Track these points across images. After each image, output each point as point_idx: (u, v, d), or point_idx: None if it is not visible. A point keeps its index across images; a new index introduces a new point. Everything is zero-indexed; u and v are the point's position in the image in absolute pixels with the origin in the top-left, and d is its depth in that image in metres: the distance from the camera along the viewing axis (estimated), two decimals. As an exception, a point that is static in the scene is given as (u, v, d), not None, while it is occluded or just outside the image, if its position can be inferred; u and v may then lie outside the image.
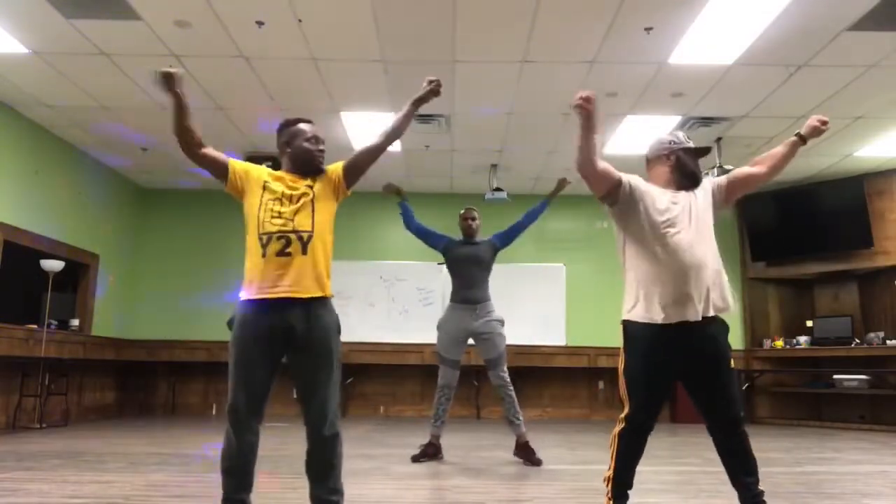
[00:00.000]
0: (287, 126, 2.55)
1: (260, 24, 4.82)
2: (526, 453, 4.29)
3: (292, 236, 2.31)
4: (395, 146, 7.27)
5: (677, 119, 6.47)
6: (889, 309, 7.98)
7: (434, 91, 2.67)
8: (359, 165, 2.53)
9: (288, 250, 2.29)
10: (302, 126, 2.52)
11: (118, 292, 8.47)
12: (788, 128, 6.61)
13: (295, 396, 2.38)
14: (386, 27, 4.87)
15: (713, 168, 6.98)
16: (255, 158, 7.45)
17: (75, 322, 7.51)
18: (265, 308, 2.27)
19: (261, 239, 2.32)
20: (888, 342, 7.61)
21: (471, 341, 4.44)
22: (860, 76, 5.48)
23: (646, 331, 2.38)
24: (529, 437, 4.38)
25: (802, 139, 2.59)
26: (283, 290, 2.27)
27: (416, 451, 4.40)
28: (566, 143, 7.15)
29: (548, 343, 8.69)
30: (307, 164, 2.47)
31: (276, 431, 6.13)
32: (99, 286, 7.99)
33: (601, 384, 8.73)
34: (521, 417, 4.32)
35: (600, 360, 8.61)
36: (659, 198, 2.48)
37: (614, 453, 2.45)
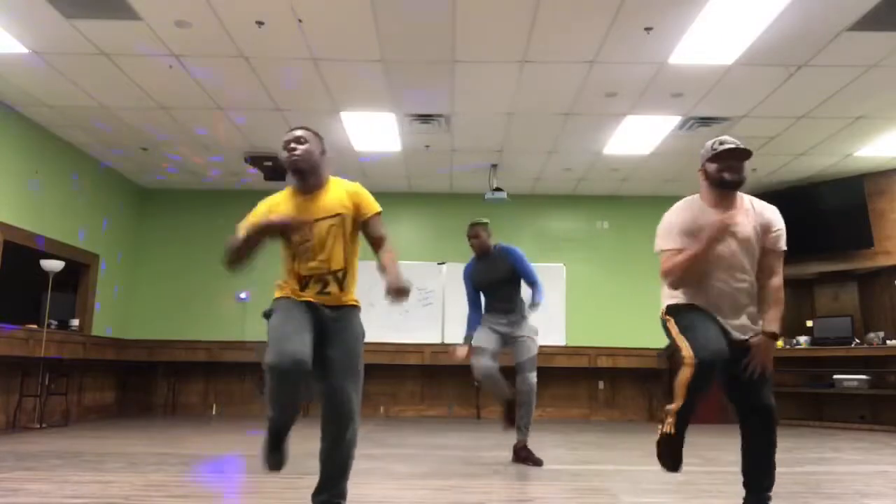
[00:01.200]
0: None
1: (260, 24, 4.82)
2: (526, 456, 4.28)
3: (328, 278, 2.39)
4: (396, 146, 7.27)
5: (677, 119, 6.47)
6: (889, 309, 7.98)
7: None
8: (366, 232, 2.52)
9: (328, 290, 2.40)
10: (284, 137, 2.50)
11: (118, 292, 8.47)
12: (788, 128, 6.61)
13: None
14: (386, 27, 4.87)
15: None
16: (256, 158, 7.47)
17: (75, 322, 7.51)
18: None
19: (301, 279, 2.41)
20: (888, 342, 7.61)
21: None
22: (860, 76, 5.48)
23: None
24: (530, 437, 4.37)
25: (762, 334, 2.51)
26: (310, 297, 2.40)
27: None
28: (566, 143, 7.16)
29: (548, 343, 8.66)
30: (291, 171, 2.46)
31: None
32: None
33: (601, 384, 8.73)
34: (529, 428, 4.29)
35: (600, 360, 8.62)
36: (702, 226, 2.46)
37: (683, 394, 2.35)
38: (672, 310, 2.50)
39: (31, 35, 5.02)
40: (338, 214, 2.41)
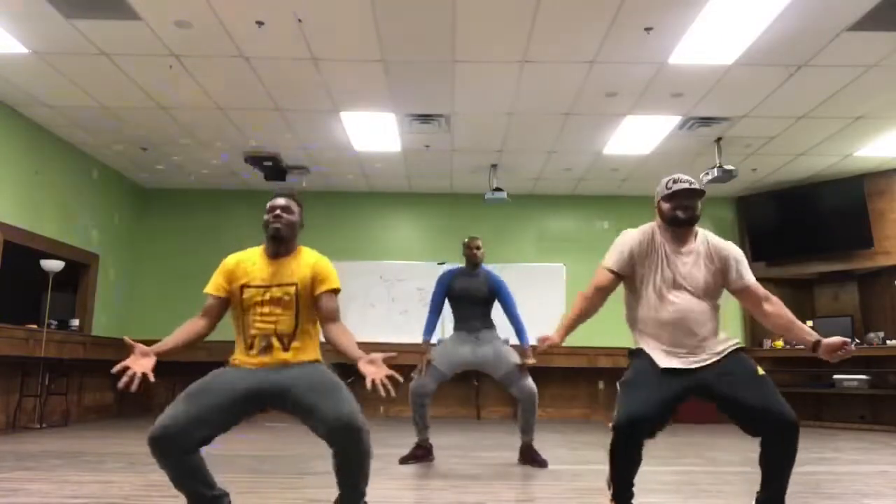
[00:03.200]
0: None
1: (260, 24, 4.82)
2: (532, 457, 4.28)
3: (272, 339, 2.37)
4: (396, 146, 7.27)
5: (677, 119, 6.47)
6: (889, 309, 7.98)
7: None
8: (317, 306, 2.45)
9: (270, 351, 2.36)
10: (271, 201, 2.50)
11: (118, 292, 8.47)
12: (788, 128, 6.61)
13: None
14: (386, 27, 4.86)
15: (713, 168, 6.99)
16: (256, 158, 7.47)
17: (75, 322, 7.51)
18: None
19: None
20: (888, 342, 7.61)
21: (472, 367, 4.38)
22: (860, 76, 5.48)
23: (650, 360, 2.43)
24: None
25: (815, 347, 2.41)
26: None
27: (406, 453, 4.35)
28: (566, 143, 7.16)
29: (548, 343, 8.67)
30: (270, 237, 2.46)
31: (276, 431, 6.14)
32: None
33: (601, 384, 8.73)
34: (534, 429, 4.28)
35: (600, 360, 8.61)
36: (653, 255, 2.51)
37: (610, 464, 2.42)
38: (631, 353, 2.53)
39: (31, 35, 5.02)
40: (292, 284, 2.41)
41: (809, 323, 8.57)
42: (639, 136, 6.90)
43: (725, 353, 2.41)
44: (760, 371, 2.38)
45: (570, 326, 2.56)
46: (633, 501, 2.43)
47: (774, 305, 2.50)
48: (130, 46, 5.17)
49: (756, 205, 8.75)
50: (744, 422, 2.32)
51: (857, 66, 5.34)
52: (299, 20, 4.77)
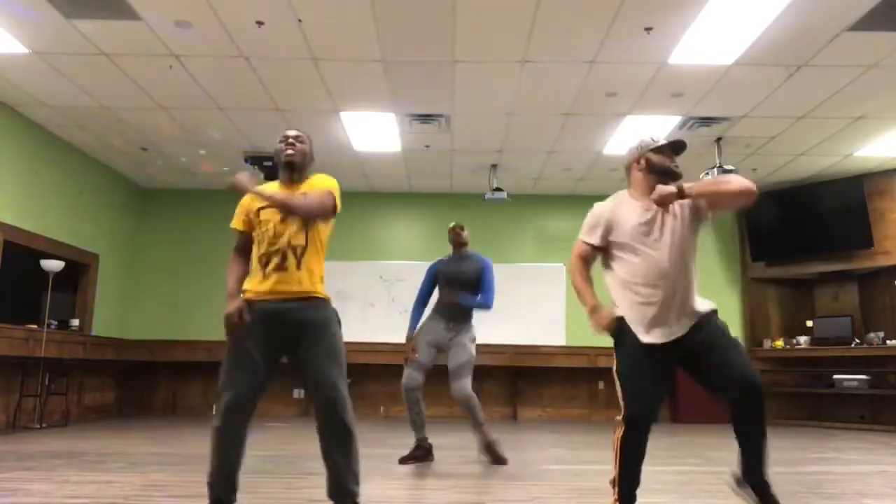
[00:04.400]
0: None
1: (260, 24, 4.82)
2: (492, 453, 4.27)
3: (287, 251, 2.44)
4: (396, 146, 7.27)
5: (677, 119, 6.47)
6: (889, 309, 7.98)
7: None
8: None
9: (285, 265, 2.43)
10: (282, 134, 2.64)
11: (118, 292, 8.47)
12: (788, 128, 6.61)
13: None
14: (386, 27, 4.86)
15: (713, 168, 6.99)
16: (255, 158, 7.46)
17: (75, 322, 7.51)
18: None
19: (260, 259, 2.47)
20: (888, 342, 7.61)
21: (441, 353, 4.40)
22: (860, 76, 5.48)
23: (634, 341, 2.41)
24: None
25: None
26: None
27: (406, 453, 4.35)
28: (566, 143, 7.15)
29: (548, 343, 8.69)
30: (283, 164, 2.58)
31: (276, 431, 6.14)
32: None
33: (601, 384, 8.73)
34: (484, 425, 4.25)
35: (600, 360, 8.60)
36: (626, 218, 2.49)
37: (617, 459, 2.41)
38: (616, 334, 2.48)
39: (31, 35, 5.02)
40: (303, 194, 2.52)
41: (809, 323, 8.59)
42: (639, 136, 6.89)
43: (703, 315, 2.40)
44: (731, 335, 2.40)
45: (587, 291, 2.52)
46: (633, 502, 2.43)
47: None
48: (130, 46, 5.17)
49: (756, 205, 8.59)
50: (712, 385, 2.36)
51: (857, 66, 5.34)
52: (299, 20, 4.77)
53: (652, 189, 2.46)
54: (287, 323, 2.40)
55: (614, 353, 2.49)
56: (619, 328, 2.46)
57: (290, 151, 2.55)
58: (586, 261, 2.56)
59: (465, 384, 4.20)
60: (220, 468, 2.38)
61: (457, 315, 4.37)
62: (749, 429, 2.30)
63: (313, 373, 2.36)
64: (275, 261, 2.43)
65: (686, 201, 2.44)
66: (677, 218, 2.44)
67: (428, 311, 4.54)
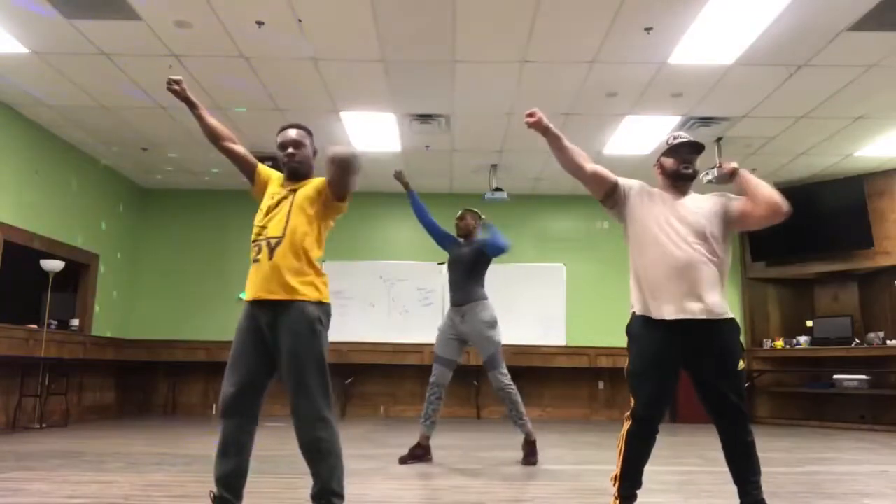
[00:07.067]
0: (278, 133, 2.67)
1: (260, 24, 4.81)
2: (528, 451, 4.29)
3: (262, 243, 2.42)
4: (396, 146, 7.27)
5: (677, 119, 6.47)
6: (889, 309, 7.98)
7: None
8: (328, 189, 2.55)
9: (258, 257, 2.41)
10: (283, 134, 2.64)
11: (118, 292, 8.47)
12: (788, 128, 6.61)
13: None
14: (386, 27, 4.86)
15: (713, 168, 6.98)
16: (256, 158, 7.45)
17: (75, 322, 7.51)
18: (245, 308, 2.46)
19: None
20: (888, 342, 7.61)
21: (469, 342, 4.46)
22: (860, 76, 5.48)
23: (646, 325, 2.45)
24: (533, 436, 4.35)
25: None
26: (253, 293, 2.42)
27: (405, 453, 4.36)
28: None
29: (548, 343, 8.69)
30: (288, 172, 2.60)
31: (276, 431, 6.13)
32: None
33: (601, 384, 8.73)
34: (524, 418, 4.28)
35: (600, 360, 8.61)
36: (654, 200, 2.54)
37: (622, 453, 2.44)
38: (629, 331, 2.53)
39: (31, 35, 5.02)
40: (293, 191, 2.50)
41: (809, 323, 8.59)
42: (639, 136, 6.89)
43: (723, 318, 2.42)
44: (742, 364, 2.45)
45: (556, 136, 2.55)
46: (634, 502, 2.44)
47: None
48: (130, 46, 5.17)
49: (756, 205, 8.74)
50: (707, 401, 2.45)
51: (857, 66, 5.33)
52: (299, 20, 4.77)
53: (670, 189, 2.58)
54: (263, 324, 2.37)
55: (627, 351, 2.53)
56: (631, 324, 2.51)
57: (293, 165, 2.56)
58: (596, 171, 2.58)
59: (498, 373, 4.25)
60: (222, 465, 2.37)
61: (462, 298, 4.42)
62: (735, 456, 2.40)
63: (287, 387, 2.34)
64: (254, 254, 2.43)
65: (729, 202, 2.57)
66: (703, 213, 2.51)
67: (444, 308, 4.61)
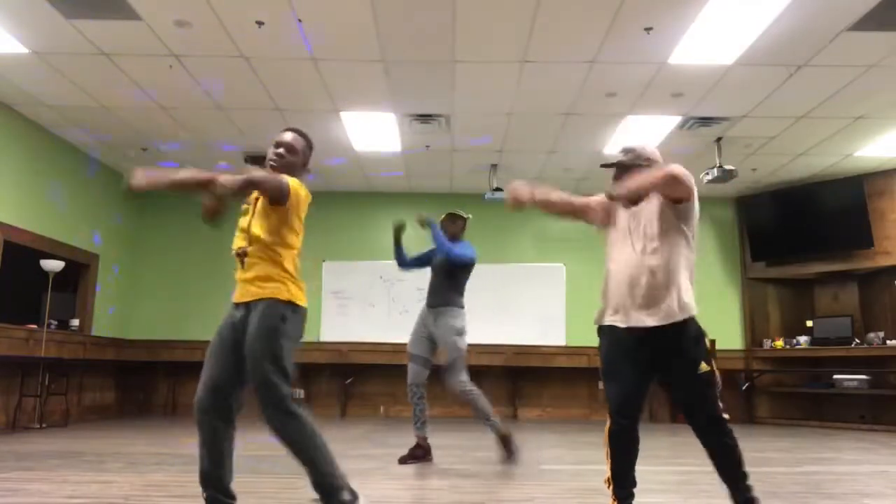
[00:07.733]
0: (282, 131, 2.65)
1: (260, 24, 4.81)
2: (504, 446, 4.18)
3: (235, 256, 2.47)
4: (396, 146, 7.26)
5: (677, 119, 6.47)
6: (889, 309, 7.98)
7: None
8: None
9: (235, 268, 2.47)
10: (282, 133, 2.59)
11: (118, 292, 8.47)
12: (788, 128, 6.61)
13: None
14: (386, 27, 4.86)
15: (713, 168, 6.99)
16: (255, 158, 7.46)
17: (75, 322, 7.51)
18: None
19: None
20: (888, 342, 7.61)
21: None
22: (860, 76, 5.48)
23: (608, 332, 2.54)
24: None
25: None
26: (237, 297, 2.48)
27: (405, 453, 4.35)
28: (566, 143, 7.15)
29: (548, 343, 8.68)
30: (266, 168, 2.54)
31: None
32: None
33: (601, 384, 8.71)
34: (492, 417, 4.18)
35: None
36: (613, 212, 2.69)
37: (608, 454, 2.48)
38: (598, 333, 2.64)
39: (31, 35, 5.02)
40: (257, 199, 2.47)
41: (809, 323, 8.58)
42: (639, 136, 6.89)
43: (679, 320, 2.36)
44: (704, 368, 2.39)
45: (548, 199, 2.84)
46: (633, 502, 2.44)
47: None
48: (130, 46, 5.17)
49: (756, 205, 8.74)
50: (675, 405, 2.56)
51: (857, 66, 5.33)
52: (299, 20, 4.77)
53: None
54: (237, 322, 2.45)
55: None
56: (599, 327, 2.60)
57: (271, 163, 2.50)
58: (584, 206, 2.94)
59: (455, 380, 4.24)
60: (202, 465, 2.41)
61: (437, 301, 4.53)
62: (716, 458, 2.48)
63: (251, 383, 2.41)
64: (236, 265, 2.46)
65: (654, 197, 2.59)
66: (650, 215, 2.58)
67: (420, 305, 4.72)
